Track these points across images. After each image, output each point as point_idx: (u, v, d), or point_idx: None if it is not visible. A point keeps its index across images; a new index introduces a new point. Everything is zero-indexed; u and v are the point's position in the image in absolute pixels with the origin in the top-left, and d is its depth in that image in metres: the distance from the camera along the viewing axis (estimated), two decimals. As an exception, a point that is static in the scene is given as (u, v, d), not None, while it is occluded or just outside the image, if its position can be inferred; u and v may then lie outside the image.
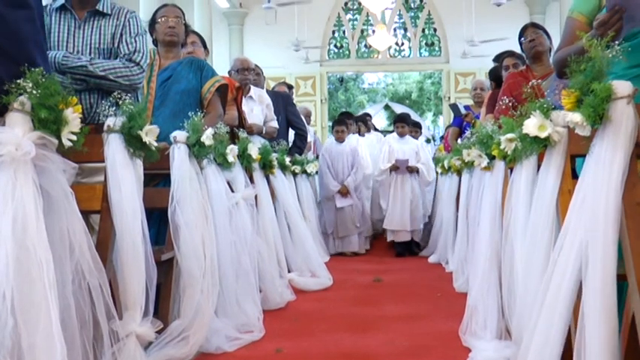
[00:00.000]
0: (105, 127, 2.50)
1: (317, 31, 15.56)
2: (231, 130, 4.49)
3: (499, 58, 5.50)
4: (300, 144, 6.83)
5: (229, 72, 5.74)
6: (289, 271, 5.16)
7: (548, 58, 4.16)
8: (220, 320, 3.33)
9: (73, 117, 2.02)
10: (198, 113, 3.34)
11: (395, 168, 7.41)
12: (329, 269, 5.59)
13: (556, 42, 2.99)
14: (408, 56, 16.37)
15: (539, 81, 3.78)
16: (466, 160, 4.68)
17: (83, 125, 2.09)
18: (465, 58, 15.11)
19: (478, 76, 12.56)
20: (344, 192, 7.57)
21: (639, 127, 1.89)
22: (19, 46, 1.96)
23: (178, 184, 3.06)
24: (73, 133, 2.03)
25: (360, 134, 8.93)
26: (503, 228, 2.95)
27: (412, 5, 16.33)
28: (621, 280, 1.92)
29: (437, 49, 16.07)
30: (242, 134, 4.45)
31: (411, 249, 7.47)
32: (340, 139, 7.73)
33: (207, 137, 3.24)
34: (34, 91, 1.90)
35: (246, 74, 5.62)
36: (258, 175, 4.66)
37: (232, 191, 3.81)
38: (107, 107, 2.62)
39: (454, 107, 7.10)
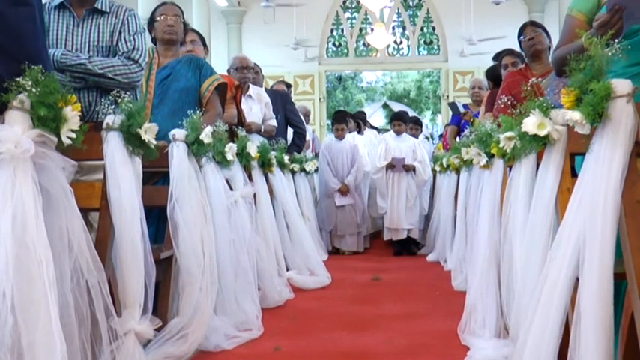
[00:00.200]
0: (104, 125, 2.50)
1: (315, 29, 15.56)
2: (230, 128, 4.49)
3: (498, 57, 5.50)
4: (299, 142, 6.83)
5: (228, 70, 5.73)
6: (288, 270, 5.16)
7: (547, 57, 4.16)
8: (219, 318, 3.33)
9: (72, 115, 2.02)
10: (197, 111, 3.35)
11: (391, 166, 7.42)
12: (327, 267, 5.59)
13: (555, 40, 2.98)
14: (407, 55, 16.37)
15: (539, 79, 3.77)
16: (465, 159, 4.68)
17: (82, 123, 2.08)
18: (463, 57, 15.12)
19: (477, 74, 12.55)
20: (344, 191, 7.57)
21: (639, 126, 1.89)
22: (19, 43, 1.96)
23: (177, 182, 3.06)
24: (72, 130, 2.02)
25: (359, 132, 8.94)
26: (502, 227, 2.95)
27: (411, 4, 16.32)
28: (620, 279, 1.93)
29: (435, 47, 16.07)
30: (241, 133, 4.45)
31: (409, 248, 7.47)
32: (340, 137, 7.74)
33: (206, 135, 3.24)
34: (34, 89, 1.90)
35: (245, 72, 5.62)
36: (256, 173, 4.66)
37: (231, 189, 3.81)
38: (106, 105, 2.62)
39: (453, 106, 7.09)
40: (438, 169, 7.22)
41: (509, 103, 3.28)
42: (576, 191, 1.99)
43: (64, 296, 1.92)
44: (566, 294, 1.96)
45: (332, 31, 16.25)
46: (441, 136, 11.45)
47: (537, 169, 2.53)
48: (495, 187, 3.33)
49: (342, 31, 16.31)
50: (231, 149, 3.65)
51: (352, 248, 7.63)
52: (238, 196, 3.85)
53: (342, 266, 6.36)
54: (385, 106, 25.24)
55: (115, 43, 3.19)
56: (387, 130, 9.03)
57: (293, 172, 6.45)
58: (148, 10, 4.46)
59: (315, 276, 5.35)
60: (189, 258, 3.02)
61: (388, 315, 4.12)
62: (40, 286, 1.74)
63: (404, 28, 16.31)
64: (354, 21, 16.35)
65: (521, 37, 4.26)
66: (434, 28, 16.06)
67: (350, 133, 8.25)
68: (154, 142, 2.60)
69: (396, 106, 21.84)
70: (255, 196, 4.40)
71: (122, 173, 2.48)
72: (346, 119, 8.02)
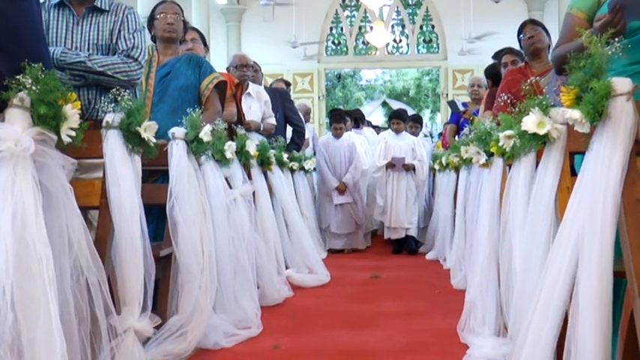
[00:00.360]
0: (104, 123, 2.50)
1: (314, 27, 15.56)
2: (230, 126, 4.49)
3: (498, 55, 5.50)
4: (298, 140, 6.83)
5: (228, 68, 5.73)
6: (287, 268, 5.16)
7: (547, 55, 4.15)
8: (218, 316, 3.33)
9: (72, 113, 2.02)
10: (197, 110, 3.35)
11: (391, 165, 7.42)
12: (326, 266, 5.59)
13: (555, 38, 2.98)
14: (406, 53, 16.38)
15: (538, 78, 3.78)
16: (464, 157, 4.68)
17: (82, 121, 2.09)
18: (462, 55, 15.12)
19: (476, 73, 12.55)
20: (342, 189, 7.57)
21: (639, 124, 1.89)
22: (19, 41, 1.96)
23: (177, 180, 3.06)
24: (72, 129, 2.03)
25: (357, 128, 8.93)
26: (501, 225, 2.95)
27: (410, 2, 16.33)
28: (619, 277, 1.93)
29: (435, 45, 16.07)
30: (240, 131, 4.45)
31: (409, 246, 7.47)
32: (338, 136, 7.74)
33: (205, 134, 3.24)
34: (34, 87, 1.91)
35: (245, 71, 5.62)
36: (255, 171, 4.66)
37: (230, 187, 3.81)
38: (106, 103, 2.62)
39: (452, 104, 7.09)
40: (437, 167, 7.22)
41: (508, 101, 3.29)
42: (576, 190, 1.99)
43: (64, 294, 1.93)
44: (566, 293, 1.96)
45: (331, 29, 16.26)
46: (440, 134, 11.45)
47: (537, 167, 2.53)
48: (495, 185, 3.32)
49: (342, 29, 16.31)
50: (230, 147, 3.65)
51: (353, 246, 7.62)
52: (237, 194, 3.85)
53: (341, 264, 6.36)
54: (384, 104, 25.23)
55: (114, 41, 3.19)
56: (386, 129, 9.03)
57: (292, 171, 6.45)
58: (148, 8, 4.46)
59: (315, 274, 5.35)
60: (189, 256, 3.02)
61: (387, 313, 4.12)
62: (39, 283, 1.75)
63: (403, 27, 16.31)
64: (353, 19, 16.36)
65: (521, 36, 4.25)
66: (433, 27, 16.06)
67: (347, 131, 8.25)
68: (154, 140, 2.61)
69: (396, 105, 21.82)
70: (254, 194, 4.40)
71: (122, 171, 2.48)
72: (344, 118, 8.02)
